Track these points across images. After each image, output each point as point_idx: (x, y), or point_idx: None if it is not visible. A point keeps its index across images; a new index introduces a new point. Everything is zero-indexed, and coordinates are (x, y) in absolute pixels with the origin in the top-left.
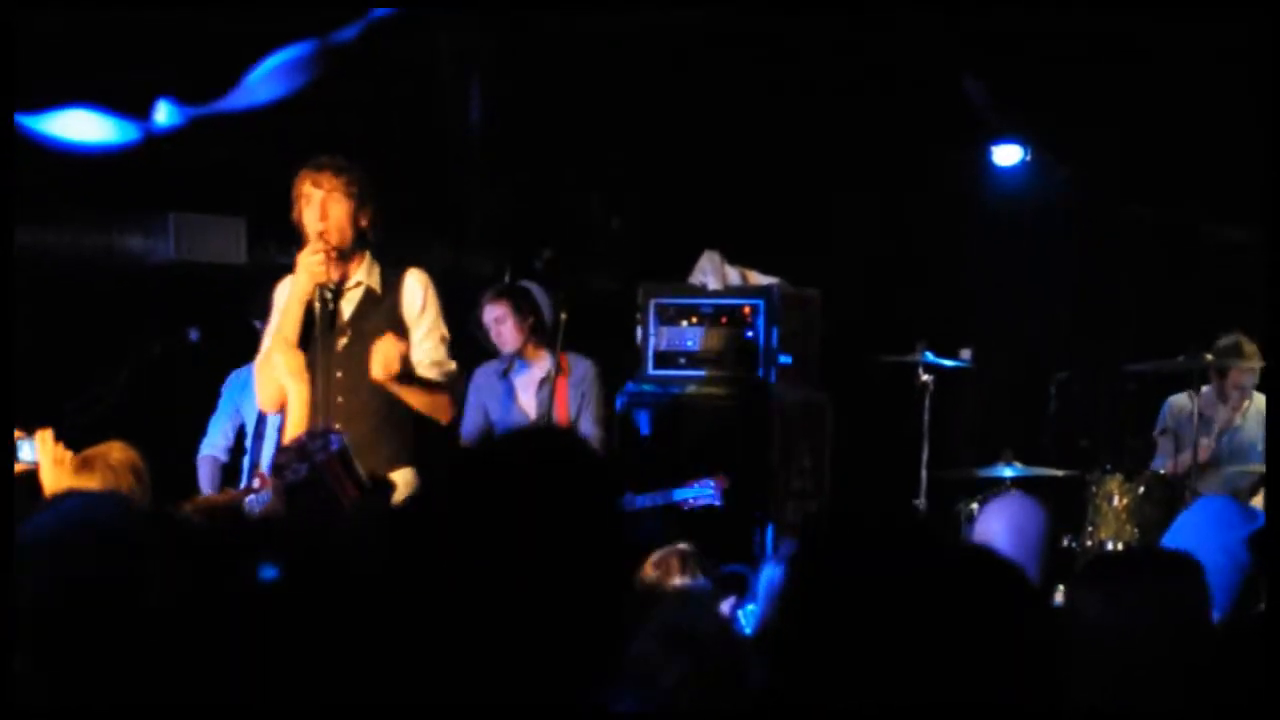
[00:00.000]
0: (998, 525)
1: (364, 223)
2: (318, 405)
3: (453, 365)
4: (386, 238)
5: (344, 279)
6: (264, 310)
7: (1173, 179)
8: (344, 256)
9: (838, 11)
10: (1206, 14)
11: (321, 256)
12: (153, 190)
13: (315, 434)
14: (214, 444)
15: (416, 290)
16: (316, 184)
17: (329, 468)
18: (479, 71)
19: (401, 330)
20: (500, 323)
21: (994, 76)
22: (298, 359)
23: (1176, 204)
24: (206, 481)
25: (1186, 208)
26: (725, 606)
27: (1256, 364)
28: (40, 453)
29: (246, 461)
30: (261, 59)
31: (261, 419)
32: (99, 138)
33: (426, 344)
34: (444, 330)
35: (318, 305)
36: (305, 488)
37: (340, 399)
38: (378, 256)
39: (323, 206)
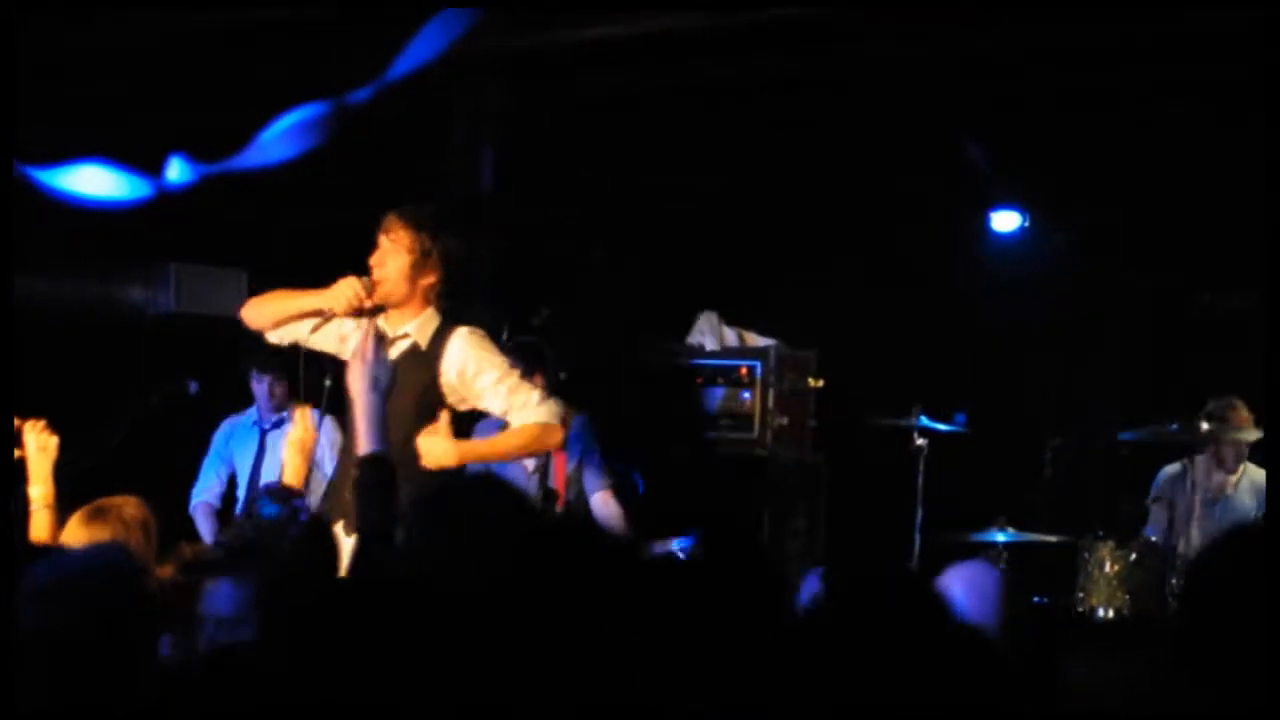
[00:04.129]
0: (957, 591)
1: (423, 283)
2: (345, 452)
3: (538, 397)
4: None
5: (389, 326)
6: (262, 363)
7: (1170, 247)
8: (392, 306)
9: (841, 74)
10: (1205, 85)
11: (351, 294)
12: (154, 241)
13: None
14: (209, 490)
15: (459, 349)
16: (387, 230)
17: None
18: (488, 130)
19: (436, 389)
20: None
21: (994, 142)
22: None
23: (1173, 271)
24: (206, 529)
25: (1183, 275)
26: None
27: (1250, 430)
28: (28, 441)
29: (240, 510)
30: (275, 118)
31: (256, 469)
32: (111, 193)
33: (498, 393)
34: (508, 372)
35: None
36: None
37: None
38: (440, 315)
39: (383, 254)
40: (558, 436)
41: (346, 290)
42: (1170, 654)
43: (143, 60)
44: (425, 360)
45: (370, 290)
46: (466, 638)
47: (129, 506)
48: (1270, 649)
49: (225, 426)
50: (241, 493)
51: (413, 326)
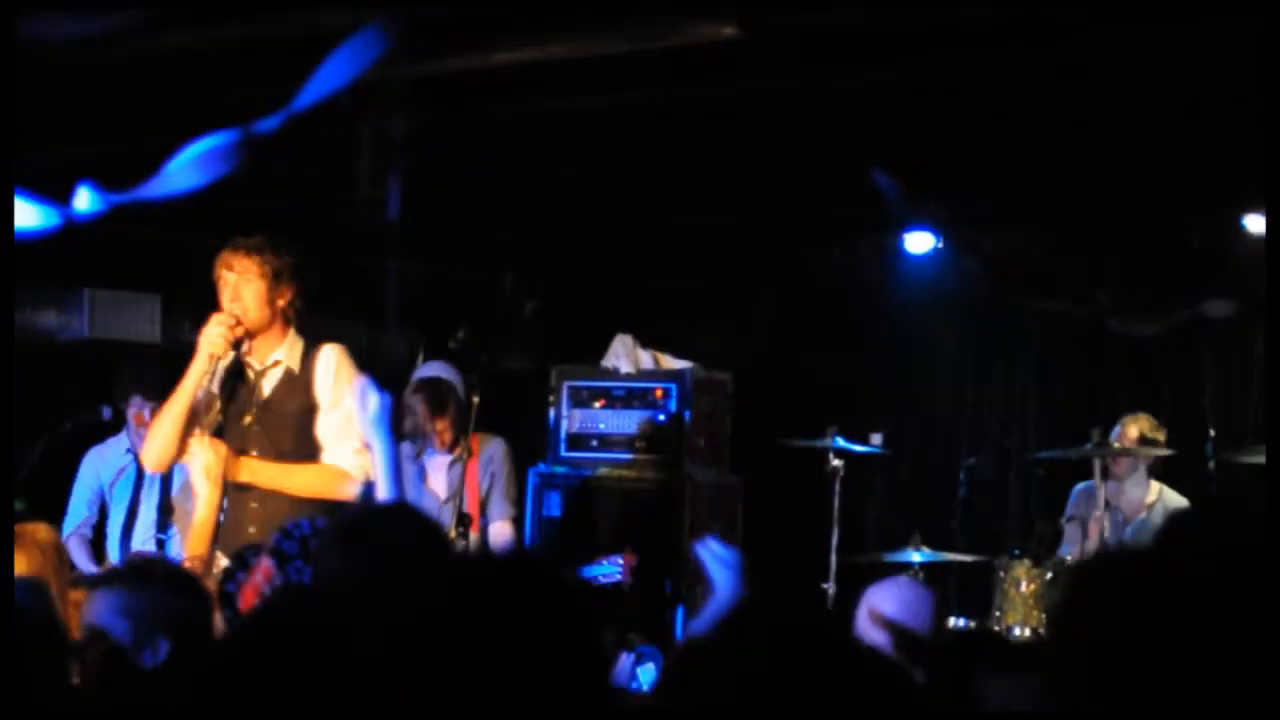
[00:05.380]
0: (890, 608)
1: (280, 302)
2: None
3: (357, 449)
4: (304, 317)
5: (256, 357)
6: (147, 392)
7: (1082, 270)
8: (256, 335)
9: (750, 96)
10: (1114, 115)
11: (222, 330)
12: (67, 267)
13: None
14: (81, 520)
15: (327, 365)
16: (229, 266)
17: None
18: (397, 155)
19: (315, 411)
20: (444, 433)
21: (904, 168)
22: (218, 464)
23: (1085, 295)
24: (83, 560)
25: (1094, 299)
26: (625, 663)
27: (1135, 446)
28: None
29: (117, 540)
30: (182, 146)
31: (136, 496)
32: (20, 223)
33: (331, 418)
34: (351, 405)
35: (232, 382)
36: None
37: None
38: (302, 334)
39: (235, 289)
40: (349, 491)
41: (217, 329)
42: (1049, 674)
43: (50, 89)
44: (300, 384)
45: (231, 323)
46: (382, 666)
47: (40, 531)
48: (1144, 671)
49: (92, 456)
50: (121, 520)
51: (282, 353)
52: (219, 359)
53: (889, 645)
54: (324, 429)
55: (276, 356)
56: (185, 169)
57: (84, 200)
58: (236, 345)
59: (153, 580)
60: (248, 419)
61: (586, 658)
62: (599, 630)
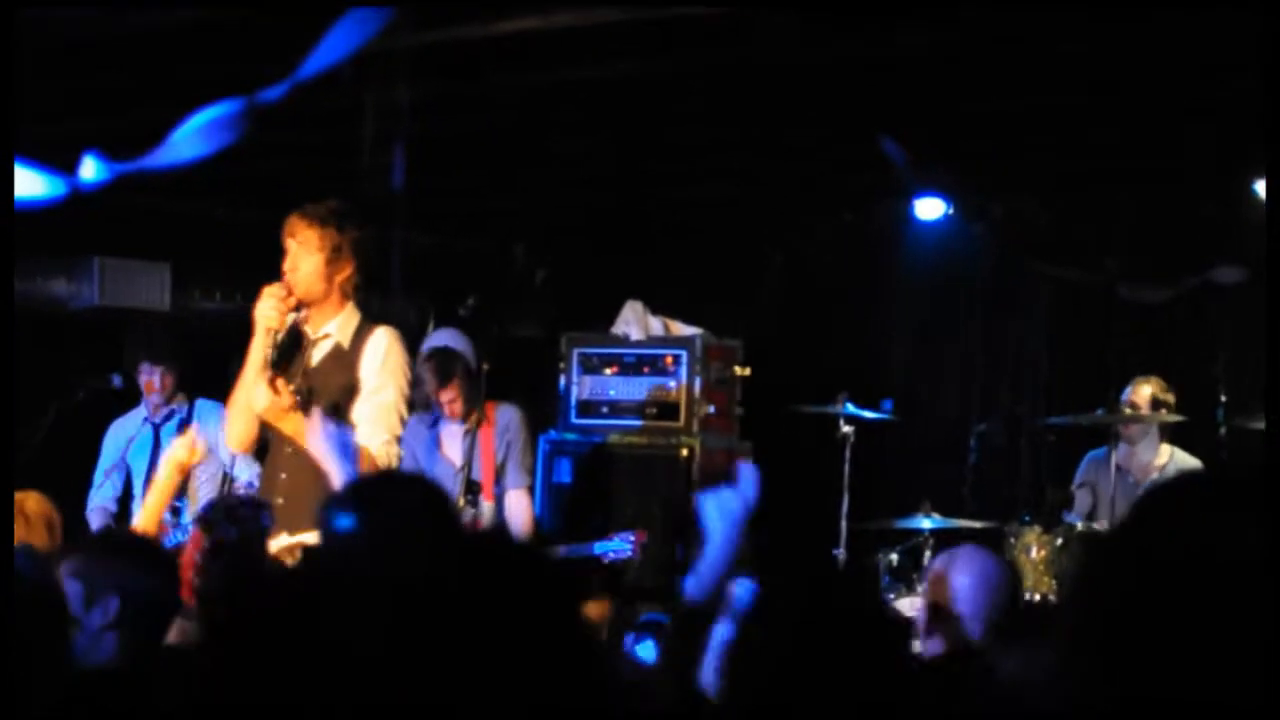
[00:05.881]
0: (967, 579)
1: (338, 278)
2: (269, 451)
3: (388, 440)
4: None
5: (311, 325)
6: (154, 356)
7: (1091, 239)
8: (310, 305)
9: (757, 64)
10: (1123, 83)
11: (274, 303)
12: (78, 235)
13: (248, 502)
14: (104, 494)
15: (376, 348)
16: (291, 233)
17: (257, 540)
18: (401, 124)
19: (357, 391)
20: (452, 403)
21: (914, 135)
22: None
23: (1094, 265)
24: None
25: (1105, 268)
26: (628, 642)
27: (1145, 410)
28: None
29: (138, 505)
30: (187, 116)
31: (153, 465)
32: (26, 192)
33: (370, 402)
34: (395, 393)
35: (289, 347)
36: (230, 550)
37: (289, 448)
38: (361, 309)
39: (294, 258)
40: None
41: (269, 302)
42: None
43: (55, 59)
44: (346, 360)
45: (289, 291)
46: (380, 633)
47: (30, 501)
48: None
49: (114, 429)
50: (140, 487)
51: (334, 326)
52: (276, 331)
53: (966, 615)
54: (360, 412)
55: (328, 329)
56: (190, 138)
57: (89, 169)
58: (297, 309)
59: (107, 546)
60: (292, 387)
61: (574, 639)
62: (579, 608)
